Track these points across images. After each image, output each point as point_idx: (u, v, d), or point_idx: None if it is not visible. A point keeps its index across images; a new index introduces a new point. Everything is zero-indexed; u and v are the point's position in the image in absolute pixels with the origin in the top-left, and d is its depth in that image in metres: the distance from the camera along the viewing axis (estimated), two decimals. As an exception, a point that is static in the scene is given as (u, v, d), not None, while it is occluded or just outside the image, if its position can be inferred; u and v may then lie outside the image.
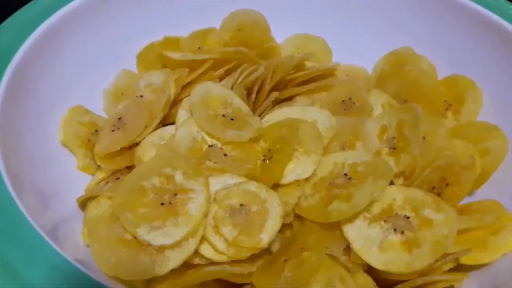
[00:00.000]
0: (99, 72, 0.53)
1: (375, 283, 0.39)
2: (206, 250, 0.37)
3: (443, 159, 0.42)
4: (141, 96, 0.48)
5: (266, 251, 0.41)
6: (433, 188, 0.43)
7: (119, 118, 0.47)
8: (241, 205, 0.39)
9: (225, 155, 0.42)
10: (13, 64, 0.43)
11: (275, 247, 0.41)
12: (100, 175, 0.45)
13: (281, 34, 0.61)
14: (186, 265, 0.37)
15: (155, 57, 0.55)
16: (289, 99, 0.53)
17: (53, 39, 0.48)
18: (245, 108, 0.46)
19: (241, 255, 0.37)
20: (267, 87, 0.51)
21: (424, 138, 0.46)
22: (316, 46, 0.61)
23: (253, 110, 0.49)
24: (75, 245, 0.40)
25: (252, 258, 0.39)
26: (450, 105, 0.52)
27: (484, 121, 0.50)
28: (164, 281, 0.36)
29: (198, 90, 0.44)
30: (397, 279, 0.38)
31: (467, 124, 0.50)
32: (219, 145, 0.42)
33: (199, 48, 0.56)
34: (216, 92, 0.45)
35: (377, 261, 0.38)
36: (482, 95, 0.52)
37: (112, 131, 0.46)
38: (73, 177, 0.46)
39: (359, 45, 0.61)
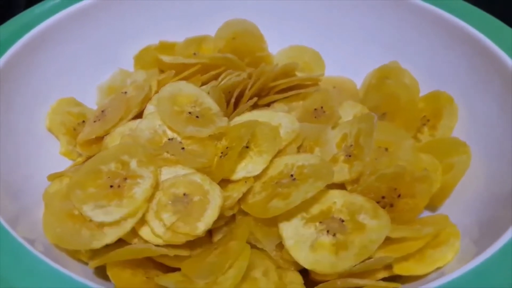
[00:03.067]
0: (99, 71, 0.58)
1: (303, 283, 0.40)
2: (145, 233, 0.40)
3: (390, 168, 0.42)
4: (125, 92, 0.52)
5: (209, 241, 0.43)
6: (383, 197, 0.43)
7: (102, 111, 0.51)
8: (184, 194, 0.41)
9: (183, 148, 0.45)
10: (8, 55, 0.48)
11: (217, 238, 0.43)
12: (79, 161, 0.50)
13: (278, 45, 0.64)
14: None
15: (151, 59, 0.59)
16: (268, 105, 0.55)
17: (54, 37, 0.54)
18: (215, 108, 0.49)
19: (176, 240, 0.39)
20: (247, 92, 0.53)
21: (386, 149, 0.47)
22: (309, 57, 0.63)
23: (231, 113, 0.52)
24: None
25: (192, 246, 0.41)
26: (428, 120, 0.52)
27: (454, 137, 0.49)
28: (103, 255, 0.39)
29: (168, 87, 0.48)
30: (323, 279, 0.38)
31: (438, 140, 0.50)
32: (179, 139, 0.45)
33: (194, 54, 0.60)
34: (187, 91, 0.48)
35: (306, 260, 0.39)
36: (461, 111, 0.51)
37: (94, 121, 0.50)
38: (55, 163, 0.50)
39: (353, 59, 0.62)
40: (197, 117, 0.47)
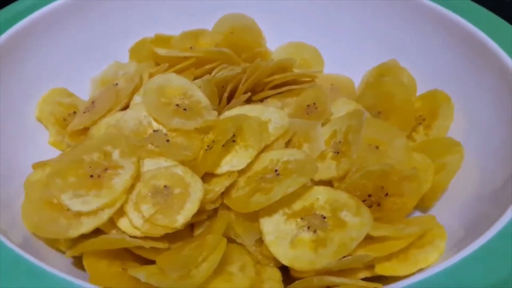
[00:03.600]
0: (95, 64, 0.58)
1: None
2: (124, 224, 0.39)
3: (376, 165, 0.41)
4: (116, 84, 0.51)
5: (190, 235, 0.42)
6: (369, 196, 0.42)
7: (93, 102, 0.51)
8: (165, 186, 0.41)
9: (168, 141, 0.44)
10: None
11: (198, 232, 0.42)
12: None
13: (278, 42, 0.63)
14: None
15: (147, 52, 0.58)
16: (261, 101, 0.54)
17: (50, 26, 0.54)
18: (205, 102, 0.48)
19: (154, 232, 0.39)
20: (241, 87, 0.53)
21: (377, 147, 0.46)
22: (308, 54, 0.62)
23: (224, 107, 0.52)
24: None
25: (173, 240, 0.41)
26: (424, 120, 0.51)
27: (448, 137, 0.48)
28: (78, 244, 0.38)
29: (156, 79, 0.47)
30: (302, 277, 0.37)
31: (431, 140, 0.49)
32: (164, 131, 0.45)
33: (191, 48, 0.59)
34: (176, 83, 0.48)
35: (285, 256, 0.38)
36: (460, 111, 0.50)
37: (84, 112, 0.50)
38: (44, 153, 0.50)
39: (352, 57, 0.61)
40: (184, 109, 0.46)
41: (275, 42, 0.63)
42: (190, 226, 0.43)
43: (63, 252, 0.41)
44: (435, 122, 0.50)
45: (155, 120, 0.45)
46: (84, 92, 0.57)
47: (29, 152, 0.49)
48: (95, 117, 0.48)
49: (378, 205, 0.42)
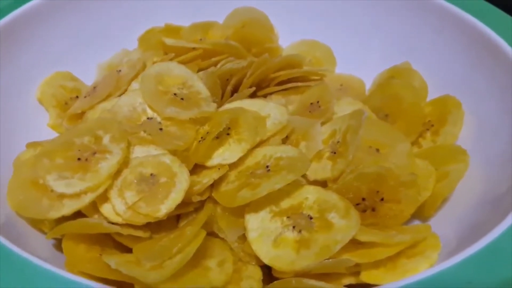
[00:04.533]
0: (104, 51, 0.57)
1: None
2: (106, 210, 0.39)
3: (371, 167, 0.39)
4: (120, 71, 0.51)
5: (175, 226, 0.41)
6: (363, 199, 0.40)
7: (94, 87, 0.50)
8: (151, 174, 0.40)
9: (161, 129, 0.43)
10: (9, 19, 0.49)
11: (182, 224, 0.41)
12: (66, 135, 0.49)
13: (291, 39, 0.62)
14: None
15: (156, 41, 0.58)
16: (265, 96, 0.53)
17: (60, 11, 0.54)
18: (205, 93, 0.47)
19: (136, 220, 0.38)
20: (245, 81, 0.52)
21: (378, 150, 0.44)
22: (320, 53, 0.60)
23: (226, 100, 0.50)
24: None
25: (157, 230, 0.40)
26: (432, 125, 0.48)
27: (455, 145, 0.45)
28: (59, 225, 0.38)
29: (156, 66, 0.46)
30: (282, 277, 0.36)
31: (437, 146, 0.46)
32: (158, 119, 0.44)
33: (200, 40, 0.58)
34: (177, 72, 0.47)
35: (266, 254, 0.36)
36: (471, 117, 0.47)
37: (85, 97, 0.50)
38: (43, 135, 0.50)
39: (367, 59, 0.59)
40: (182, 99, 0.45)
41: (289, 39, 0.62)
42: (176, 218, 0.42)
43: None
44: (443, 129, 0.47)
45: (150, 107, 0.44)
46: (91, 78, 0.56)
47: (29, 133, 0.49)
48: (94, 101, 0.48)
49: (373, 210, 0.40)
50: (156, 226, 0.40)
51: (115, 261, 0.33)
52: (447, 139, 0.47)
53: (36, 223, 0.40)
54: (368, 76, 0.58)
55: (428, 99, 0.52)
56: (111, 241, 0.39)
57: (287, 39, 0.61)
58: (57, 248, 0.40)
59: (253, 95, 0.52)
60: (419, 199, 0.41)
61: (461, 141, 0.47)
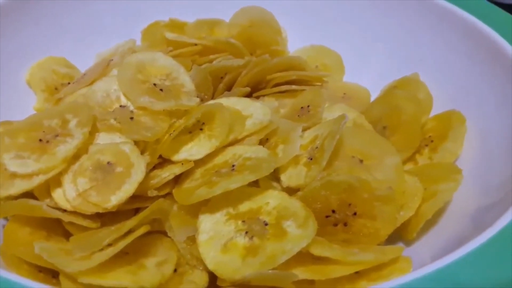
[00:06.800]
0: (108, 43, 0.57)
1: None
2: (58, 195, 0.37)
3: (341, 176, 0.35)
4: (112, 60, 0.50)
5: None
6: (333, 211, 0.36)
7: (84, 74, 0.49)
8: (108, 162, 0.38)
9: (132, 118, 0.41)
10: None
11: (137, 219, 0.38)
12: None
13: (301, 44, 0.59)
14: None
15: (160, 36, 0.56)
16: (258, 98, 0.50)
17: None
18: (189, 87, 0.45)
19: (84, 209, 0.36)
20: (239, 80, 0.49)
21: (361, 161, 0.40)
22: (329, 60, 0.57)
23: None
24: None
25: (112, 221, 0.37)
26: (432, 141, 0.44)
27: (451, 163, 0.40)
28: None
29: (139, 55, 0.45)
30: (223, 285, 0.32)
31: (433, 164, 0.42)
32: (131, 108, 0.42)
33: (204, 37, 0.56)
34: (161, 63, 0.45)
35: (212, 260, 0.33)
36: (477, 134, 0.42)
37: (73, 83, 0.49)
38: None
39: (377, 69, 0.55)
40: (161, 90, 0.43)
41: (301, 45, 0.59)
42: (135, 213, 0.39)
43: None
44: (441, 145, 0.42)
45: (125, 95, 0.42)
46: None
47: (15, 116, 0.49)
48: (77, 88, 0.46)
49: (345, 225, 0.36)
50: (111, 219, 0.37)
51: (40, 246, 0.31)
52: (445, 156, 0.42)
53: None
54: (376, 87, 0.54)
55: (437, 113, 0.47)
56: (62, 228, 0.37)
57: (296, 43, 0.58)
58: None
59: (248, 96, 0.49)
60: (397, 218, 0.36)
61: (463, 159, 0.42)
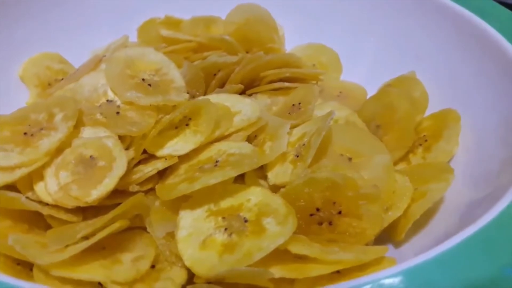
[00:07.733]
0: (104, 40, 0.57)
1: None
2: (40, 188, 0.37)
3: (323, 173, 0.34)
4: (105, 56, 0.49)
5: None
6: (318, 210, 0.35)
7: (77, 70, 0.49)
8: (91, 156, 0.37)
9: (118, 113, 0.41)
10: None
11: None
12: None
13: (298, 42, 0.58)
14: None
15: (156, 33, 0.56)
16: (251, 95, 0.49)
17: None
18: (179, 83, 0.44)
19: (65, 203, 0.35)
20: (232, 76, 0.48)
21: (350, 159, 0.39)
22: (326, 58, 0.56)
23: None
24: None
25: (91, 217, 0.37)
26: (426, 141, 0.42)
27: (444, 163, 0.39)
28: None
29: (128, 50, 0.44)
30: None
31: (425, 164, 0.40)
32: (118, 102, 0.42)
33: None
34: (151, 58, 0.45)
35: (190, 256, 0.32)
36: (473, 133, 0.41)
37: (66, 79, 0.49)
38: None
39: (377, 69, 0.54)
40: (149, 85, 0.43)
41: (295, 41, 0.58)
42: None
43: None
44: (435, 145, 0.41)
45: (112, 90, 0.42)
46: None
47: (6, 110, 0.49)
48: (68, 83, 0.46)
49: (330, 224, 0.35)
50: (93, 214, 0.37)
51: (14, 238, 0.31)
52: (439, 156, 0.41)
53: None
54: (374, 86, 0.53)
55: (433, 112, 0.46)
56: (44, 222, 0.37)
57: (293, 41, 0.58)
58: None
59: (242, 93, 0.48)
60: (383, 217, 0.35)
61: (457, 159, 0.41)
